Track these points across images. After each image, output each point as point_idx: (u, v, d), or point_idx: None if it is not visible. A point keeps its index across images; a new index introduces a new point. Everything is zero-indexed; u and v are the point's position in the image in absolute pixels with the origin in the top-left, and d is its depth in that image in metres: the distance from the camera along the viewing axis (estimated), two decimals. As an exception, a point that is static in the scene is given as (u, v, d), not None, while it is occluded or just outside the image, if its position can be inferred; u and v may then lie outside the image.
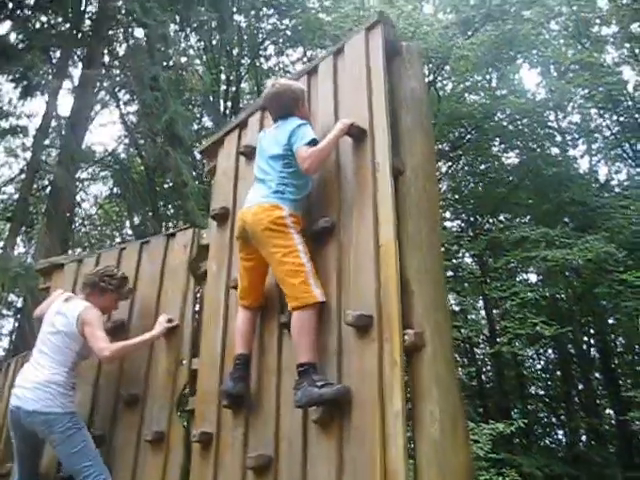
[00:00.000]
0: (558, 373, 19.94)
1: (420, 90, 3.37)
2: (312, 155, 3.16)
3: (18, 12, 12.23)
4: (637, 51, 16.46)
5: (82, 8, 13.19)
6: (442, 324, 2.88)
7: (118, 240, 18.57)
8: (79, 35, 12.96)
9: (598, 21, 16.91)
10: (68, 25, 13.14)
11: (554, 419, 19.85)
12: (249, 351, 3.32)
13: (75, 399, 3.92)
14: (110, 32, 13.12)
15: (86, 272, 4.36)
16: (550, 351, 19.73)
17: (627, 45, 16.46)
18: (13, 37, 12.14)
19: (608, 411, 18.51)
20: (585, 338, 18.72)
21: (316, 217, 3.28)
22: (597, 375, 18.86)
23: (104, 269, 4.23)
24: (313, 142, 3.20)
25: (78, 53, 13.22)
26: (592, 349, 18.82)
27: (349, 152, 3.29)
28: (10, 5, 12.11)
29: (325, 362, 2.97)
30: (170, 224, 16.92)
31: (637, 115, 16.64)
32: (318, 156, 3.18)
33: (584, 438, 18.82)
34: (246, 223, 3.24)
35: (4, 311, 16.45)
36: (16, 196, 14.17)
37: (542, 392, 20.32)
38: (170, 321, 4.02)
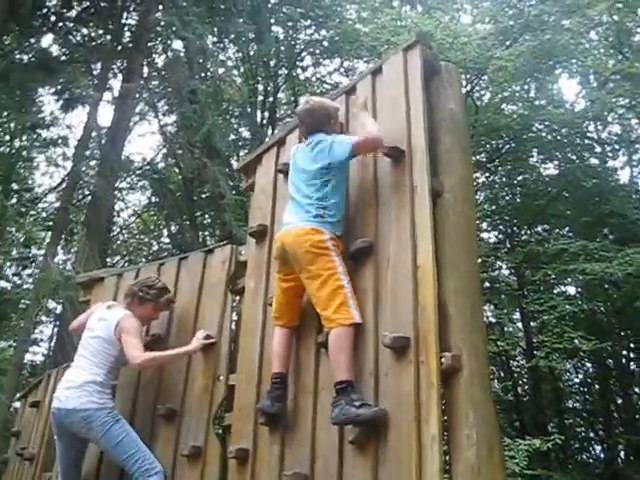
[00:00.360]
0: (596, 387, 19.61)
1: (459, 111, 3.37)
2: (372, 132, 3.28)
3: (60, 25, 12.50)
4: (679, 60, 16.18)
5: (122, 21, 13.43)
6: (479, 346, 2.87)
7: (155, 248, 18.77)
8: (119, 47, 13.18)
9: (639, 30, 16.68)
10: (109, 38, 13.38)
11: (592, 434, 19.49)
12: (286, 370, 3.35)
13: (113, 399, 4.05)
14: (149, 44, 13.32)
15: (127, 284, 4.44)
16: (589, 365, 19.40)
17: (669, 54, 16.18)
18: (55, 50, 12.42)
19: (648, 427, 18.15)
20: (624, 352, 18.37)
21: (354, 237, 3.29)
22: (637, 390, 18.51)
23: (144, 279, 4.34)
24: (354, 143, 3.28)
25: (118, 65, 13.45)
26: (632, 363, 18.48)
27: (388, 172, 3.30)
28: (52, 18, 12.38)
29: (361, 383, 2.97)
30: (207, 233, 17.08)
31: (679, 125, 16.36)
32: (378, 132, 3.28)
33: (622, 454, 18.46)
34: (286, 244, 3.26)
35: (44, 317, 16.74)
36: (57, 205, 14.44)
37: (580, 406, 19.98)
38: (208, 337, 4.06)
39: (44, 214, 15.90)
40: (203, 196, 16.13)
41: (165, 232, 18.73)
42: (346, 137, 3.38)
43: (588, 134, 16.60)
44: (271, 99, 17.12)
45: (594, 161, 16.87)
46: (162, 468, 3.84)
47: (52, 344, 15.59)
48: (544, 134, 15.66)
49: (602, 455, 18.77)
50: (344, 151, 3.27)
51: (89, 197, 12.81)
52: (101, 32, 13.68)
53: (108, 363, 4.04)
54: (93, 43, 13.43)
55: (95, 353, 4.05)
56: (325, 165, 3.29)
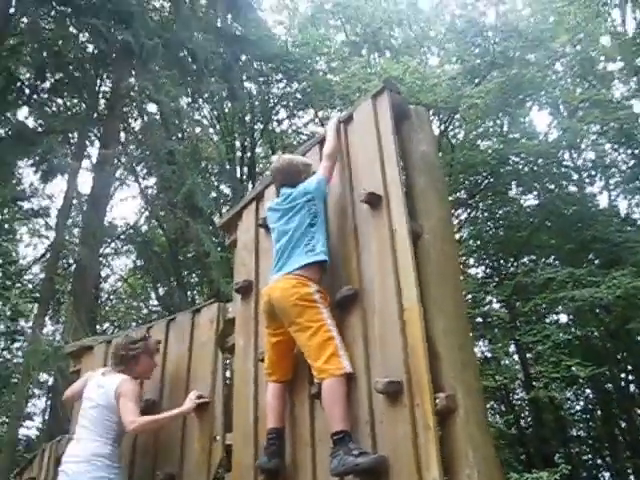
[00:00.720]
0: (599, 413, 19.49)
1: (431, 153, 3.42)
2: (326, 159, 3.59)
3: (35, 97, 12.61)
4: (645, 84, 16.54)
5: (96, 89, 13.58)
6: (472, 384, 2.87)
7: (145, 312, 18.66)
8: (95, 115, 13.30)
9: (603, 58, 17.07)
10: (84, 106, 13.51)
11: (599, 461, 19.31)
12: (282, 425, 3.32)
13: (121, 473, 3.97)
14: (125, 110, 13.45)
15: (111, 351, 4.39)
16: (588, 391, 19.32)
17: (634, 79, 16.54)
18: (31, 122, 12.51)
19: (655, 449, 18.00)
20: (623, 375, 18.33)
21: (339, 286, 3.30)
22: (639, 412, 18.40)
23: (124, 340, 4.26)
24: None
25: (95, 132, 13.55)
26: (631, 385, 18.41)
27: (366, 218, 3.33)
28: (27, 91, 12.50)
29: (358, 432, 2.95)
30: (195, 292, 17.02)
31: (652, 147, 16.61)
32: (331, 155, 3.59)
33: (632, 478, 18.27)
34: (273, 299, 3.28)
35: (36, 390, 16.50)
36: (42, 276, 14.37)
37: (584, 434, 19.83)
38: (200, 397, 4.02)
39: (30, 286, 15.81)
40: (188, 255, 16.13)
41: (153, 295, 18.66)
42: (313, 176, 3.55)
43: (564, 162, 16.84)
44: (249, 154, 17.27)
45: (572, 188, 17.08)
46: None
47: (46, 417, 15.35)
48: (521, 166, 15.86)
49: (612, 481, 18.58)
50: (318, 183, 3.45)
51: (74, 266, 12.76)
52: (76, 101, 13.83)
53: (112, 432, 3.96)
54: (69, 112, 13.56)
55: (96, 423, 3.97)
56: (309, 198, 3.41)
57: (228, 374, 4.65)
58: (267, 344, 3.45)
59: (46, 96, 12.98)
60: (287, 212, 3.47)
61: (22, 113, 13.01)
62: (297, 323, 3.17)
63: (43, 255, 15.16)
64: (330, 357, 3.03)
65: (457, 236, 16.28)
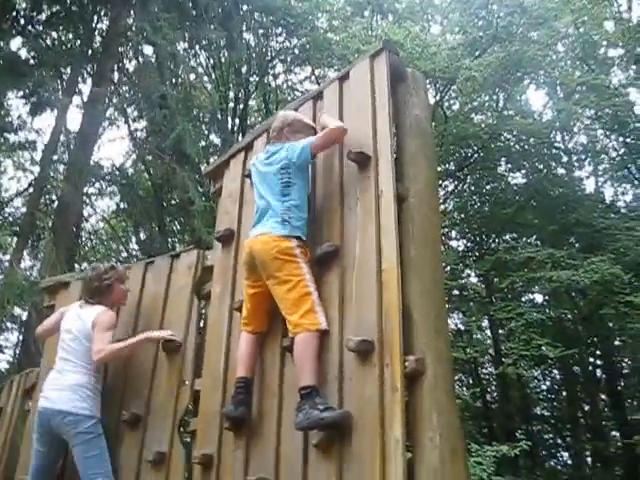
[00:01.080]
0: (564, 394, 19.83)
1: (424, 118, 3.40)
2: (332, 127, 3.36)
3: (29, 28, 12.35)
4: (644, 73, 16.50)
5: (93, 25, 13.32)
6: (443, 351, 2.89)
7: (124, 255, 18.61)
8: (89, 52, 13.06)
9: (605, 43, 16.97)
10: (79, 42, 13.26)
11: (559, 441, 19.71)
12: (251, 375, 3.34)
13: (99, 405, 4.00)
14: (120, 49, 13.22)
15: (83, 285, 4.37)
16: (556, 372, 19.62)
17: (634, 67, 16.49)
18: (24, 53, 12.27)
19: (614, 433, 18.38)
20: (591, 359, 18.61)
21: (320, 242, 3.30)
22: (603, 397, 18.74)
23: (95, 272, 4.26)
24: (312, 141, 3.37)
25: (88, 70, 13.33)
26: (598, 370, 18.71)
27: (354, 177, 3.32)
28: (22, 21, 12.24)
29: (326, 387, 2.97)
30: (176, 240, 16.97)
31: (644, 137, 16.64)
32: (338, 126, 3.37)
33: (589, 460, 18.67)
34: (254, 251, 3.28)
35: (9, 324, 16.48)
36: (23, 210, 14.25)
37: (547, 413, 20.18)
38: (172, 337, 4.05)
39: (11, 219, 15.66)
40: (172, 202, 16.05)
41: (134, 238, 18.59)
42: (304, 140, 3.40)
43: (555, 144, 16.85)
44: (242, 106, 17.10)
45: (561, 171, 17.13)
46: None
47: (17, 351, 15.35)
48: (512, 143, 15.88)
49: (569, 461, 18.98)
50: (301, 151, 3.33)
51: (56, 202, 12.65)
52: (71, 36, 13.55)
53: (93, 362, 3.97)
54: (63, 47, 13.30)
55: (78, 355, 4.00)
56: (283, 165, 3.34)
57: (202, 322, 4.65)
58: (245, 295, 3.45)
59: (41, 28, 12.70)
60: (265, 175, 3.45)
61: (15, 44, 12.77)
62: (276, 277, 3.18)
63: (26, 189, 14.99)
64: (306, 312, 3.05)
65: (442, 207, 16.32)
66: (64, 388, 3.91)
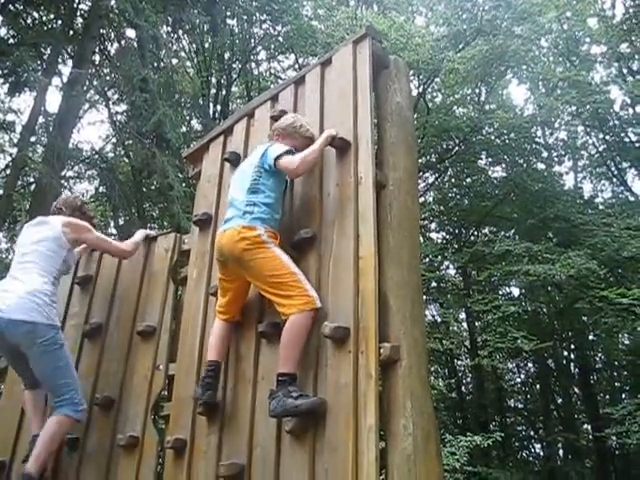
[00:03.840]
0: (538, 387, 20.04)
1: (406, 105, 3.39)
2: (299, 159, 3.19)
3: (10, 7, 12.16)
4: (625, 71, 16.64)
5: (74, 5, 13.14)
6: (418, 339, 2.89)
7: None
8: (70, 32, 12.89)
9: (588, 40, 17.10)
10: (60, 22, 13.08)
11: (532, 432, 19.93)
12: (221, 359, 3.32)
13: (58, 312, 3.82)
14: (102, 31, 13.05)
15: (63, 199, 4.34)
16: (530, 365, 19.82)
17: (615, 64, 16.63)
18: (3, 32, 12.09)
19: (586, 426, 18.62)
20: (565, 353, 18.83)
21: (298, 228, 3.29)
22: (576, 390, 18.97)
23: (77, 201, 4.29)
24: (290, 152, 3.24)
25: (69, 51, 13.16)
26: (572, 364, 18.93)
27: (333, 164, 3.31)
28: (1, 0, 12.04)
29: (302, 373, 2.96)
30: (155, 225, 16.85)
31: (623, 134, 16.80)
32: (305, 159, 3.20)
33: (561, 452, 18.91)
34: (222, 247, 3.24)
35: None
36: (0, 192, 14.07)
37: (521, 405, 20.41)
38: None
39: (-14, 201, 15.45)
40: (152, 188, 15.91)
41: (112, 223, 18.42)
42: (282, 148, 3.29)
43: (536, 139, 16.97)
44: (224, 92, 17.01)
45: (541, 166, 17.26)
46: (86, 406, 3.77)
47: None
48: (493, 137, 15.95)
49: (541, 453, 19.21)
50: (270, 159, 3.25)
51: (34, 185, 12.50)
52: (52, 16, 13.36)
53: (56, 266, 3.77)
54: (43, 27, 13.10)
55: (41, 257, 3.74)
56: (257, 164, 3.30)
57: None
58: (221, 289, 3.41)
59: (21, 7, 12.52)
60: (242, 172, 3.42)
61: (-6, 22, 12.57)
62: (251, 267, 3.12)
63: (3, 169, 14.80)
64: (297, 291, 2.98)
65: (422, 199, 16.37)
66: (20, 295, 3.56)
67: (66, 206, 4.14)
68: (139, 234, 4.35)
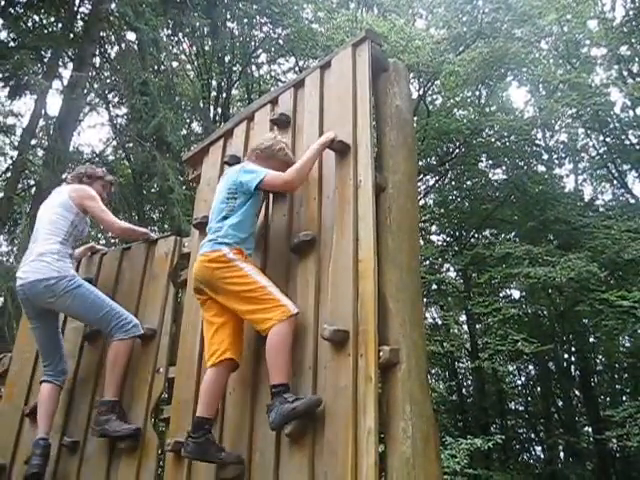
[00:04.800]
0: (538, 389, 20.03)
1: (405, 108, 3.39)
2: (294, 171, 3.21)
3: (10, 10, 12.18)
4: (625, 73, 16.64)
5: (75, 9, 13.16)
6: (418, 342, 2.90)
7: (103, 242, 18.45)
8: (71, 36, 12.90)
9: (588, 42, 17.10)
10: (60, 25, 13.10)
11: (533, 435, 19.91)
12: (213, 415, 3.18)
13: (72, 265, 4.08)
14: (102, 34, 13.07)
15: (73, 172, 4.55)
16: (531, 367, 19.82)
17: (615, 67, 16.63)
18: (4, 35, 12.11)
19: (586, 429, 18.59)
20: (566, 356, 18.81)
21: (297, 230, 3.29)
22: (577, 393, 18.95)
23: (87, 166, 4.54)
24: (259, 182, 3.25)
25: (69, 54, 13.17)
26: (572, 367, 18.91)
27: (332, 167, 3.31)
28: (2, 3, 12.06)
29: (300, 377, 2.97)
30: (156, 228, 16.86)
31: (623, 136, 16.81)
32: (301, 172, 3.22)
33: (562, 455, 18.89)
34: (196, 274, 3.25)
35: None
36: (0, 195, 14.07)
37: (521, 408, 20.39)
38: None
39: (-13, 204, 15.46)
40: (152, 191, 15.92)
41: (113, 226, 18.43)
42: (261, 170, 3.29)
43: (536, 141, 16.98)
44: (224, 95, 17.02)
45: (541, 168, 17.27)
46: (137, 321, 3.95)
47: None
48: (493, 140, 15.95)
49: (542, 455, 19.18)
50: (252, 179, 3.24)
51: (34, 188, 12.50)
52: (52, 19, 13.38)
53: (64, 229, 4.06)
54: (44, 30, 13.12)
55: (49, 223, 4.08)
56: (230, 189, 3.29)
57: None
58: (212, 330, 3.21)
59: (22, 10, 12.54)
60: (218, 194, 3.41)
61: (-6, 26, 12.58)
62: (223, 287, 3.11)
63: (4, 172, 14.81)
64: (270, 305, 2.98)
65: (422, 202, 16.38)
66: (32, 260, 3.95)
67: (72, 177, 4.42)
68: (142, 229, 4.54)
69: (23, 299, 3.99)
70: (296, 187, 3.32)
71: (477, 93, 16.78)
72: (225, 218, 3.24)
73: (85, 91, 12.84)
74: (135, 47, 12.52)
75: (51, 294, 3.84)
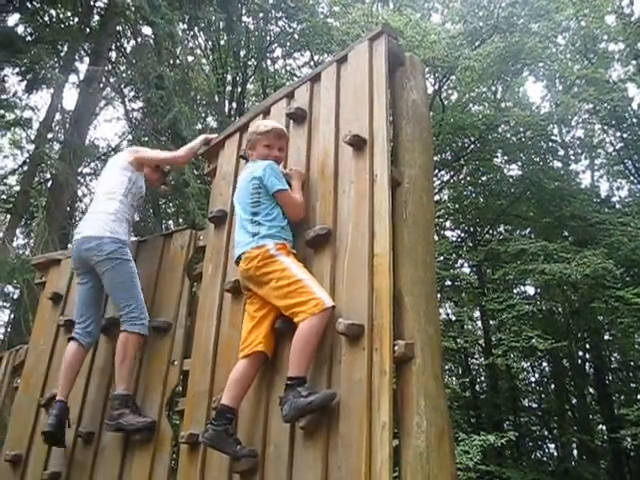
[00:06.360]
0: (552, 387, 19.94)
1: (421, 102, 3.38)
2: (301, 203, 3.38)
3: (27, 5, 12.24)
4: (643, 69, 16.50)
5: (91, 3, 13.21)
6: (433, 337, 2.89)
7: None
8: (87, 30, 12.95)
9: (605, 37, 16.96)
10: (76, 19, 13.15)
11: (546, 432, 19.83)
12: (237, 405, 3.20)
13: (128, 231, 4.18)
14: (118, 28, 13.11)
15: None
16: (545, 364, 19.73)
17: (633, 62, 16.49)
18: (21, 29, 12.16)
19: (600, 427, 18.51)
20: (580, 353, 18.71)
21: (313, 224, 3.29)
22: (591, 390, 18.86)
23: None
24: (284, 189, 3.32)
25: (85, 48, 13.23)
26: (587, 364, 18.82)
27: (349, 161, 3.30)
28: (19, -2, 12.12)
29: (315, 370, 2.97)
30: (171, 222, 16.92)
31: (640, 132, 16.68)
32: (295, 206, 3.36)
33: (575, 453, 18.82)
34: (243, 270, 3.26)
35: (0, 302, 16.42)
36: (17, 188, 14.17)
37: (535, 405, 20.30)
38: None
39: (4, 196, 15.58)
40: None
41: (128, 220, 18.50)
42: (279, 183, 3.32)
43: (552, 137, 16.88)
44: (239, 89, 17.04)
45: (557, 164, 17.17)
46: (147, 322, 3.96)
47: (8, 329, 15.31)
48: (509, 135, 15.87)
49: (555, 453, 19.12)
50: (271, 187, 3.29)
51: (51, 181, 12.57)
52: (69, 14, 13.44)
53: (122, 185, 4.18)
54: (61, 24, 13.18)
55: (108, 182, 4.24)
56: (255, 185, 3.32)
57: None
58: (255, 322, 3.24)
59: (39, 5, 12.60)
60: (240, 190, 3.46)
61: (12, 20, 12.64)
62: (264, 282, 3.13)
63: (20, 166, 14.92)
64: (304, 298, 2.96)
65: (437, 197, 16.34)
66: (89, 217, 4.14)
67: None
68: (198, 138, 4.52)
69: (76, 254, 4.08)
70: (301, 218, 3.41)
71: (493, 88, 16.70)
72: (256, 213, 3.28)
73: (101, 85, 12.91)
74: (151, 41, 12.54)
75: (99, 253, 3.93)
